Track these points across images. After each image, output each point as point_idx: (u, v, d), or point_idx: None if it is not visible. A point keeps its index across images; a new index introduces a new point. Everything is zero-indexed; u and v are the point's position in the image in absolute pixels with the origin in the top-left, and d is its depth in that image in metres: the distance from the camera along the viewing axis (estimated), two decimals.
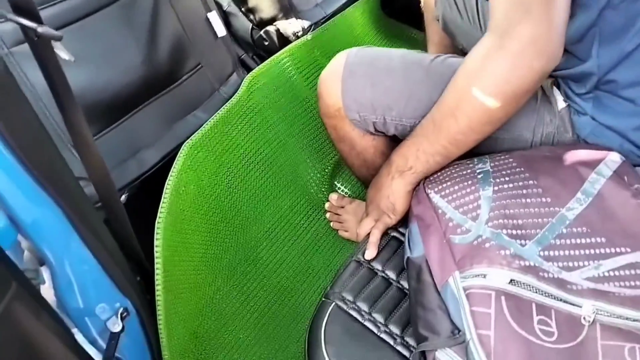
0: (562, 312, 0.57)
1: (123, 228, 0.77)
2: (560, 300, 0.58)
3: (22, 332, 0.46)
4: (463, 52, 1.11)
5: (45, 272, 0.62)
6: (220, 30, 1.11)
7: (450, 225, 0.70)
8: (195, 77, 1.06)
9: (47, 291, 0.62)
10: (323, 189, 1.24)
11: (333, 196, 1.21)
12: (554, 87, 0.81)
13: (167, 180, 0.88)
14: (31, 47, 0.50)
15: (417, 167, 0.79)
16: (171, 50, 0.99)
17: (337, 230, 1.20)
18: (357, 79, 0.85)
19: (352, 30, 1.41)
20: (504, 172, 0.73)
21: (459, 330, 0.60)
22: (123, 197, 0.95)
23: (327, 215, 1.20)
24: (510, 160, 0.75)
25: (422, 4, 1.17)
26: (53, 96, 0.58)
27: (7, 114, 0.48)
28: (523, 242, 0.64)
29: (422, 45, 1.43)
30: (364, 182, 1.05)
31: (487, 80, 0.67)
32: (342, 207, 1.20)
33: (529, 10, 0.62)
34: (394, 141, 0.88)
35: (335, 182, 1.28)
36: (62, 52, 0.49)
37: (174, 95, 1.01)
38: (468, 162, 0.79)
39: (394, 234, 0.88)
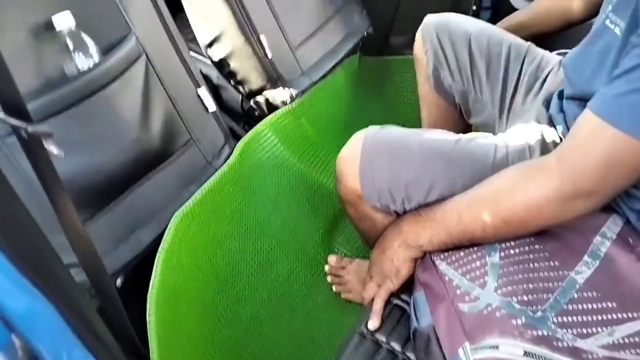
0: None
1: (118, 315, 0.75)
2: None
3: None
4: (459, 110, 1.14)
5: None
6: (211, 105, 1.12)
7: (458, 293, 0.69)
8: (187, 152, 1.06)
9: None
10: (321, 251, 1.22)
11: (332, 258, 1.18)
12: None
13: (158, 253, 0.86)
14: (21, 144, 0.50)
15: (427, 248, 0.79)
16: (163, 128, 1.00)
17: (340, 292, 1.17)
18: (375, 170, 0.84)
19: (335, 94, 1.43)
20: (510, 244, 0.73)
21: None
22: (119, 281, 0.92)
23: (329, 278, 1.18)
24: None
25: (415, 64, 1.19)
26: (42, 187, 0.58)
27: None
28: (534, 308, 0.62)
29: (407, 94, 1.47)
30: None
31: (528, 207, 0.67)
32: (343, 268, 1.18)
33: (606, 175, 0.61)
34: None
35: (334, 243, 1.27)
36: (52, 148, 0.49)
37: (167, 172, 1.01)
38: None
39: (397, 301, 0.86)
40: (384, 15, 1.55)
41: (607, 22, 0.71)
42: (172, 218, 0.91)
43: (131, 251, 0.94)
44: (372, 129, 0.87)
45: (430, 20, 1.12)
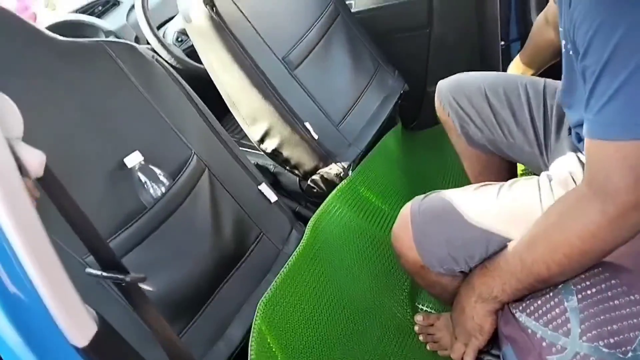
0: None
1: None
2: None
3: None
4: (499, 157, 1.15)
5: None
6: (272, 196, 1.20)
7: (544, 345, 0.68)
8: (259, 245, 1.13)
9: None
10: (407, 312, 1.23)
11: (418, 317, 1.18)
12: None
13: (250, 344, 0.90)
14: (120, 290, 0.58)
15: (502, 298, 0.79)
16: (234, 230, 1.08)
17: (436, 350, 1.16)
18: (430, 238, 0.86)
19: (387, 159, 1.48)
20: (583, 277, 0.72)
21: None
22: None
23: (420, 337, 1.17)
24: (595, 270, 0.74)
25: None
26: (144, 323, 0.65)
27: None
28: (624, 350, 0.61)
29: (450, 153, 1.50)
30: None
31: (582, 236, 0.66)
32: (432, 325, 1.18)
33: (638, 179, 0.61)
34: None
35: (417, 304, 1.27)
36: (145, 287, 0.56)
37: (244, 269, 1.08)
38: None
39: (488, 358, 0.85)
40: (417, 71, 1.61)
41: (564, 49, 0.74)
42: (257, 306, 0.96)
43: (226, 350, 1.00)
44: (416, 201, 0.90)
45: (443, 85, 1.16)
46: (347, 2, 1.60)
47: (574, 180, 0.82)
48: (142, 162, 0.97)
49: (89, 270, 0.55)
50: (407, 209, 0.90)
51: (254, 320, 0.94)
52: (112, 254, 0.55)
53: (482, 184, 0.89)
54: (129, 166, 0.96)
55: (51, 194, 0.48)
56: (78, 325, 0.48)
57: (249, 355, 0.89)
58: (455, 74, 1.15)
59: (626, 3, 0.58)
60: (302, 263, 1.09)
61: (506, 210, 0.82)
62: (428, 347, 1.15)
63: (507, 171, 1.19)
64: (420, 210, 0.88)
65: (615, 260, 0.71)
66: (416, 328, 1.18)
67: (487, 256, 0.83)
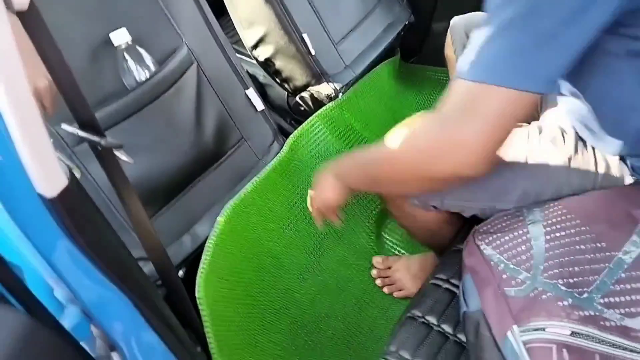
0: None
1: (183, 303, 0.81)
2: (625, 349, 0.56)
3: None
4: None
5: (116, 358, 0.65)
6: (259, 104, 1.17)
7: (504, 277, 0.70)
8: (239, 150, 1.12)
9: None
10: (371, 239, 1.25)
11: (377, 259, 1.20)
12: (621, 162, 0.78)
13: (208, 240, 0.91)
14: (96, 155, 0.56)
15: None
16: (216, 129, 1.06)
17: (392, 293, 1.18)
18: None
19: (377, 91, 1.45)
20: (555, 220, 0.73)
21: None
22: (181, 273, 0.99)
23: (377, 281, 1.18)
24: (560, 207, 0.74)
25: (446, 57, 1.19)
26: (114, 190, 0.64)
27: (77, 219, 0.53)
28: (581, 290, 0.63)
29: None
30: (426, 246, 1.06)
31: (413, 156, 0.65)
32: (389, 268, 1.20)
33: (472, 117, 0.58)
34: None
35: (383, 233, 1.29)
36: (122, 156, 0.54)
37: (221, 170, 1.07)
38: (517, 212, 0.79)
39: (446, 285, 0.87)
40: (425, 3, 1.55)
41: None
42: (224, 208, 0.96)
43: (191, 244, 1.01)
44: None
45: (458, 21, 1.11)
46: None
47: (563, 137, 0.80)
48: (129, 42, 0.92)
49: (64, 126, 0.53)
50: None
51: (218, 219, 0.94)
52: (91, 113, 0.52)
53: None
54: (115, 43, 0.91)
55: (33, 33, 0.45)
56: (48, 176, 0.46)
57: (205, 250, 0.90)
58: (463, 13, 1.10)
59: None
60: (275, 176, 1.09)
61: None
62: (385, 290, 1.17)
63: None
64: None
65: (590, 211, 0.72)
66: (373, 272, 1.19)
67: (461, 196, 0.83)
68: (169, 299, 0.87)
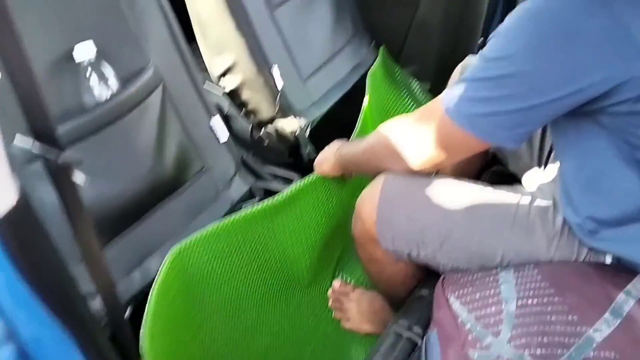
0: None
1: (128, 346, 0.74)
2: None
3: None
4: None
5: None
6: (223, 135, 1.13)
7: (469, 338, 0.67)
8: (200, 181, 1.06)
9: None
10: (329, 275, 1.20)
11: (336, 283, 1.16)
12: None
13: (153, 286, 0.82)
14: (50, 172, 0.50)
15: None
16: (177, 156, 1.01)
17: (340, 319, 1.14)
18: (393, 211, 0.83)
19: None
20: (528, 286, 0.71)
21: None
22: (128, 311, 0.91)
23: (330, 302, 1.15)
24: (536, 272, 0.73)
25: None
26: (66, 215, 0.57)
27: (23, 242, 0.46)
28: None
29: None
30: (383, 294, 1.04)
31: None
32: (346, 295, 1.16)
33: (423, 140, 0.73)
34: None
35: (341, 267, 1.25)
36: (78, 176, 0.49)
37: (179, 200, 1.01)
38: (492, 269, 0.77)
39: (408, 334, 0.84)
40: (392, 46, 1.58)
41: None
42: (171, 250, 0.86)
43: (140, 280, 0.93)
44: (392, 173, 0.86)
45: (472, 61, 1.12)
46: None
47: (554, 209, 0.79)
48: (93, 59, 0.86)
49: (19, 137, 0.46)
50: (383, 176, 0.86)
51: (162, 265, 0.84)
52: (50, 124, 0.46)
53: (467, 180, 0.85)
54: (79, 57, 0.85)
55: None
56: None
57: (149, 297, 0.82)
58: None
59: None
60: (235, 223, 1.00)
61: (477, 214, 0.79)
62: (335, 315, 1.13)
63: (483, 163, 1.17)
64: (395, 181, 0.84)
65: (566, 282, 0.71)
66: (329, 292, 1.15)
67: (439, 251, 0.81)
68: (114, 340, 0.79)
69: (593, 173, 0.71)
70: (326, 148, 1.07)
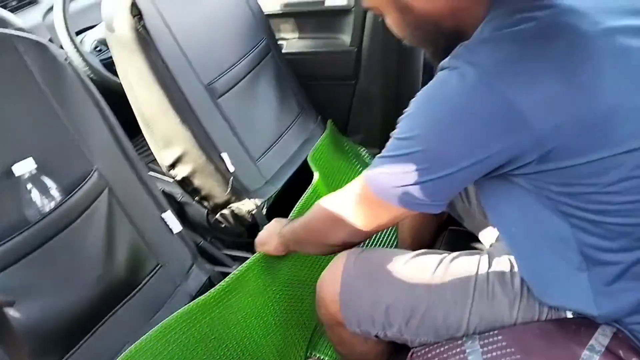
0: None
1: None
2: None
3: None
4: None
5: None
6: (176, 226, 1.12)
7: None
8: (155, 278, 1.04)
9: None
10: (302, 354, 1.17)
11: None
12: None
13: None
14: None
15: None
16: (129, 258, 0.99)
17: None
18: (356, 294, 0.84)
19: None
20: (495, 354, 0.72)
21: None
22: None
23: None
24: (500, 338, 0.74)
25: None
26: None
27: None
28: None
29: None
30: None
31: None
32: None
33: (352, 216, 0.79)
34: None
35: (314, 351, 1.22)
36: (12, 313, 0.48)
37: (134, 303, 0.98)
38: (458, 340, 0.78)
39: None
40: (338, 119, 1.64)
41: None
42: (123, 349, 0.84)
43: None
44: (353, 252, 0.87)
45: None
46: (278, 43, 1.60)
47: (511, 270, 0.81)
48: (34, 172, 0.86)
49: None
50: (342, 258, 0.87)
51: None
52: None
53: (424, 251, 0.87)
54: (18, 174, 0.85)
55: None
56: None
57: None
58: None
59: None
60: (194, 311, 0.95)
61: (438, 287, 0.81)
62: None
63: (436, 223, 1.19)
64: (355, 264, 0.85)
65: (530, 344, 0.73)
66: None
67: (405, 328, 0.81)
68: None
69: (525, 229, 0.74)
70: (265, 227, 1.10)
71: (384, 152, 0.72)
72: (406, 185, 0.68)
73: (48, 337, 0.83)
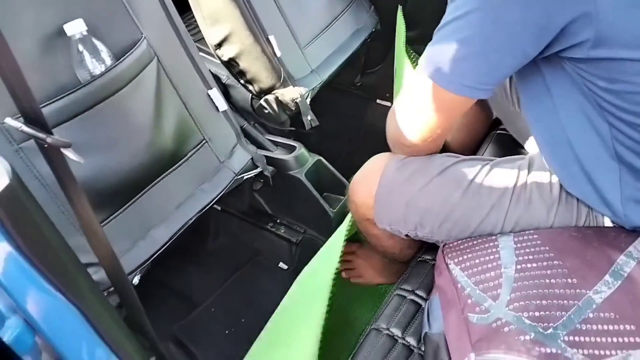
0: None
1: (136, 311, 0.77)
2: None
3: None
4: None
5: None
6: (222, 105, 1.13)
7: (469, 302, 0.69)
8: (200, 152, 1.07)
9: None
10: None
11: None
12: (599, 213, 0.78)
13: None
14: (42, 153, 0.52)
15: None
16: (175, 129, 1.01)
17: (350, 278, 1.17)
18: (391, 196, 0.84)
19: None
20: (527, 251, 0.72)
21: None
22: (136, 279, 0.94)
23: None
24: (535, 237, 0.74)
25: None
26: (62, 191, 0.59)
27: (19, 221, 0.48)
28: (546, 325, 0.61)
29: None
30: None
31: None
32: (353, 253, 1.18)
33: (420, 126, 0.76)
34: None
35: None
36: (72, 155, 0.50)
37: (180, 172, 1.03)
38: (492, 235, 0.78)
39: (411, 297, 0.86)
40: (392, 11, 1.55)
41: None
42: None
43: (147, 250, 0.96)
44: (397, 157, 0.86)
45: None
46: None
47: (550, 182, 0.79)
48: (84, 33, 0.87)
49: (9, 120, 0.48)
50: (380, 162, 0.86)
51: None
52: (37, 108, 0.48)
53: (465, 157, 0.85)
54: (69, 33, 0.85)
55: None
56: None
57: None
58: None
59: None
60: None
61: (476, 193, 0.80)
62: (343, 274, 1.16)
63: (486, 121, 1.17)
64: (396, 167, 0.84)
65: (565, 245, 0.72)
66: None
67: (437, 230, 0.82)
68: (121, 307, 0.82)
69: (566, 118, 0.72)
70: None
71: (434, 39, 0.69)
72: (459, 64, 0.66)
73: (101, 193, 0.89)
